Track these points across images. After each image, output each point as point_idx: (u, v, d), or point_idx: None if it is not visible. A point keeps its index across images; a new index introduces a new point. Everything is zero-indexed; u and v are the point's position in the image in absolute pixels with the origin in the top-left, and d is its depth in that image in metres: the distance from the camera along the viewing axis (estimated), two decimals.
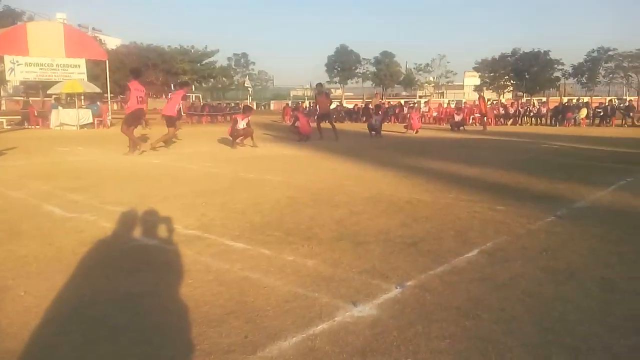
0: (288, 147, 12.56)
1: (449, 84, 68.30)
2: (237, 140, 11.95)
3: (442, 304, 2.65)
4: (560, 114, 24.41)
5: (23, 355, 2.18)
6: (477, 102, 23.36)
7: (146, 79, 49.08)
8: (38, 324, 2.48)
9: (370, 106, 25.49)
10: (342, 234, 4.07)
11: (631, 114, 24.48)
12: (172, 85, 51.03)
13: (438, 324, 2.42)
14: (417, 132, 18.17)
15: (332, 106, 34.77)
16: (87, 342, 2.27)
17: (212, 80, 60.88)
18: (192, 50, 54.95)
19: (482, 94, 23.84)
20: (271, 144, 13.58)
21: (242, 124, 12.00)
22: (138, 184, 6.62)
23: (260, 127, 22.63)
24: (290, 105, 35.33)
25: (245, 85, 32.85)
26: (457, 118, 21.30)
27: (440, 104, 33.12)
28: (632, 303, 2.68)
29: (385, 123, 23.27)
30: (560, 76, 55.44)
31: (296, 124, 14.76)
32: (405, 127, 18.86)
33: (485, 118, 21.54)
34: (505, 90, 56.28)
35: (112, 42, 55.24)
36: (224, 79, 64.32)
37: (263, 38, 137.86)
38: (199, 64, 55.52)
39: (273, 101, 66.56)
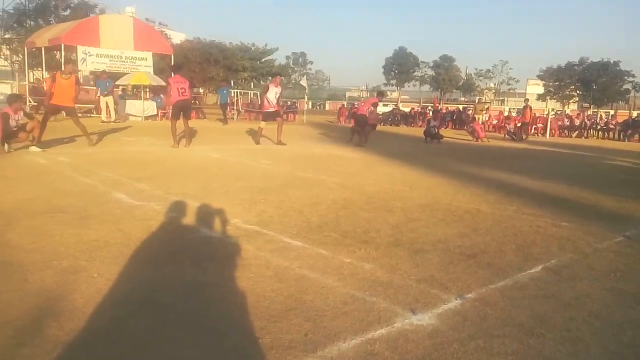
0: (343, 148, 12.59)
1: (511, 91, 66.25)
2: None
3: (504, 320, 2.60)
4: (630, 128, 23.11)
5: (98, 333, 2.33)
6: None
7: (207, 74, 50.46)
8: (111, 305, 2.64)
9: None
10: (398, 240, 4.06)
11: None
12: (231, 81, 52.29)
13: (500, 339, 2.38)
14: (482, 140, 17.62)
15: (386, 109, 34.55)
16: (157, 326, 2.40)
17: (270, 77, 61.85)
18: (253, 48, 55.95)
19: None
20: (326, 145, 13.65)
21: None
22: (199, 176, 6.84)
23: (317, 127, 22.85)
24: (346, 106, 35.35)
25: (302, 83, 33.07)
26: (510, 127, 20.57)
27: (501, 112, 32.12)
28: None
29: (442, 128, 22.89)
30: (631, 88, 52.57)
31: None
32: (472, 135, 18.32)
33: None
34: (571, 101, 53.93)
35: (177, 37, 57.17)
36: (282, 77, 65.19)
37: (321, 38, 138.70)
38: (258, 62, 56.51)
39: (329, 101, 66.87)
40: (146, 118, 19.95)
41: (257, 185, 6.36)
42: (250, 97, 33.07)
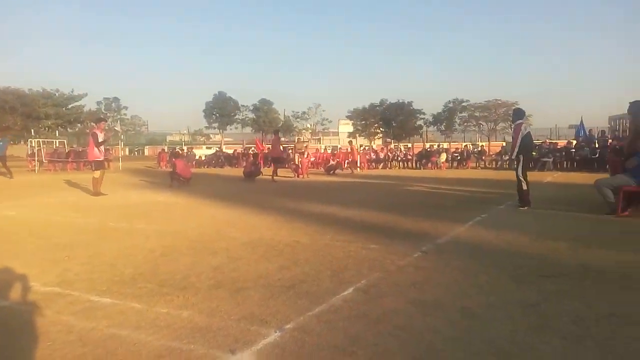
0: (164, 193, 12.05)
1: (325, 130, 71.48)
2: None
3: (320, 344, 2.69)
4: (424, 158, 26.78)
5: None
6: (349, 149, 25.22)
7: (2, 123, 44.52)
8: None
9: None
10: (220, 282, 3.97)
11: (483, 157, 27.85)
12: (31, 130, 46.76)
13: None
14: (305, 176, 18.67)
15: (210, 151, 34.29)
16: None
17: (79, 125, 56.89)
18: (57, 94, 51.18)
19: (351, 141, 26.18)
20: (145, 191, 12.93)
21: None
22: None
23: (135, 173, 21.54)
24: (166, 150, 34.12)
25: (116, 129, 31.03)
26: (332, 162, 22.36)
27: (317, 150, 34.37)
28: (490, 329, 2.94)
29: (266, 168, 23.56)
30: (423, 124, 60.93)
31: (175, 170, 14.31)
32: (295, 171, 19.33)
33: (356, 162, 23.08)
34: (376, 137, 60.26)
35: None
36: (92, 124, 60.43)
37: (135, 83, 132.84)
38: (64, 108, 51.75)
39: (148, 146, 63.79)
40: None
41: (61, 241, 5.68)
42: (56, 146, 29.84)
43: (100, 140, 11.33)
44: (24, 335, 2.89)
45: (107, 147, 12.14)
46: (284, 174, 19.89)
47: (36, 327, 3.01)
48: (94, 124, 12.82)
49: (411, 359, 2.51)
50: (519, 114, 9.26)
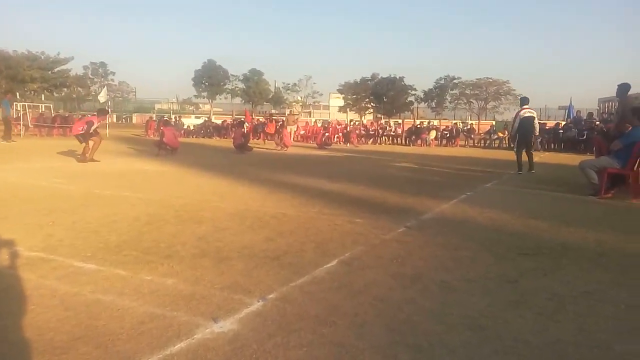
0: (150, 162, 11.98)
1: (316, 103, 71.01)
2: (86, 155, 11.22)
3: (301, 314, 2.74)
4: (414, 134, 26.80)
5: None
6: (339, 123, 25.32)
7: None
8: None
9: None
10: (204, 251, 4.00)
11: (472, 135, 27.96)
12: (17, 93, 45.80)
13: (296, 333, 2.49)
14: (287, 149, 18.56)
15: (199, 121, 33.98)
16: None
17: (65, 89, 55.83)
18: (43, 57, 50.02)
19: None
20: (132, 159, 12.84)
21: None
22: None
23: (122, 141, 21.31)
24: (155, 118, 33.70)
25: (99, 97, 30.27)
26: (324, 137, 22.35)
27: (307, 123, 34.20)
28: (467, 303, 3.01)
29: (255, 140, 23.44)
30: (414, 100, 60.81)
31: (163, 139, 14.18)
32: (277, 144, 19.20)
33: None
34: (367, 112, 60.06)
35: None
36: (79, 88, 59.31)
37: (124, 48, 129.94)
38: (50, 72, 50.66)
39: (135, 114, 62.94)
40: None
41: (46, 207, 5.65)
42: (42, 111, 29.33)
43: (91, 129, 11.47)
44: (7, 299, 2.90)
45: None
46: (270, 146, 19.81)
47: (20, 290, 3.02)
48: (96, 114, 12.71)
49: (389, 330, 2.57)
50: (522, 101, 11.54)
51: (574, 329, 2.66)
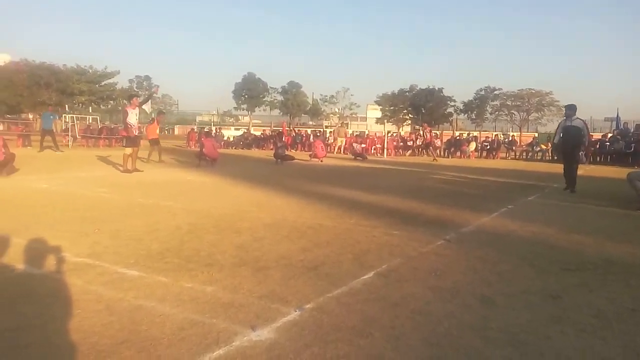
0: (192, 172, 12.27)
1: (353, 115, 71.11)
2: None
3: (338, 325, 2.74)
4: (453, 146, 26.38)
5: None
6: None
7: (37, 98, 45.72)
8: None
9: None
10: (243, 260, 4.06)
11: (514, 148, 27.34)
12: (66, 106, 47.86)
13: (333, 344, 2.49)
14: (321, 160, 18.63)
15: (238, 132, 34.52)
16: None
17: (111, 102, 58.07)
18: (91, 71, 52.22)
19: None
20: (174, 169, 13.19)
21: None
22: (21, 211, 6.10)
23: (164, 152, 21.91)
24: (196, 130, 34.52)
25: (144, 108, 31.33)
26: (358, 148, 22.31)
27: (345, 134, 34.22)
28: (507, 317, 2.94)
29: (292, 151, 23.67)
30: (453, 112, 60.01)
31: (203, 150, 14.51)
32: (310, 155, 19.33)
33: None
34: (404, 124, 59.65)
35: (0, 59, 51.15)
36: (124, 101, 61.53)
37: (167, 62, 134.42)
38: (97, 85, 52.81)
39: (177, 126, 64.72)
40: None
41: (91, 215, 5.87)
42: (89, 122, 30.56)
43: (130, 118, 11.33)
44: (55, 303, 3.02)
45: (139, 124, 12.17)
46: (301, 157, 19.94)
47: (67, 295, 3.14)
48: (126, 102, 12.94)
49: (427, 344, 2.54)
50: (566, 109, 10.23)
51: (619, 346, 2.56)
